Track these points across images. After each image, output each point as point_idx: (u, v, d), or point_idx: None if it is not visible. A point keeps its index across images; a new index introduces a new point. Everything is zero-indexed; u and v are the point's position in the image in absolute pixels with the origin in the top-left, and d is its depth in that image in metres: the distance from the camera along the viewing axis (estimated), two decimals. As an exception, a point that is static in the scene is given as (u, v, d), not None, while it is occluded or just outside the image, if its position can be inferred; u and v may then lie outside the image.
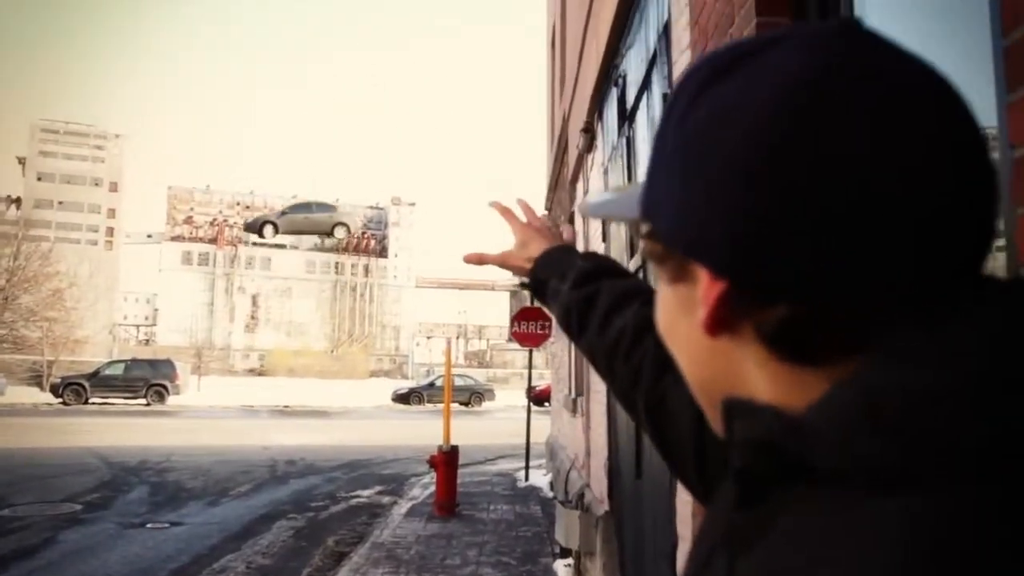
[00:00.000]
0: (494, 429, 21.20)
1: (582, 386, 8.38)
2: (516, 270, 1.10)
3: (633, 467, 4.81)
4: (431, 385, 36.40)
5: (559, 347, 12.46)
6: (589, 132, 7.31)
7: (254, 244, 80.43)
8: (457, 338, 77.08)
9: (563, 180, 10.89)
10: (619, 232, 5.78)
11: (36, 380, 37.09)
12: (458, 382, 34.64)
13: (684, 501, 3.15)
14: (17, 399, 30.66)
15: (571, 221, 9.48)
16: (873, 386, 0.38)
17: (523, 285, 1.13)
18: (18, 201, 78.14)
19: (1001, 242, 1.17)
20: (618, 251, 5.57)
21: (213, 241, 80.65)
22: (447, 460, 9.21)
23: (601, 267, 0.99)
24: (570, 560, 6.76)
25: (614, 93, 5.87)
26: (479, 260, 1.15)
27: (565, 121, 10.24)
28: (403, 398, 36.39)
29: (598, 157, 6.97)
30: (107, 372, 31.24)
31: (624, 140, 5.41)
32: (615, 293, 0.92)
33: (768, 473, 0.41)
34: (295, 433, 20.38)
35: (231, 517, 9.23)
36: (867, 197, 0.39)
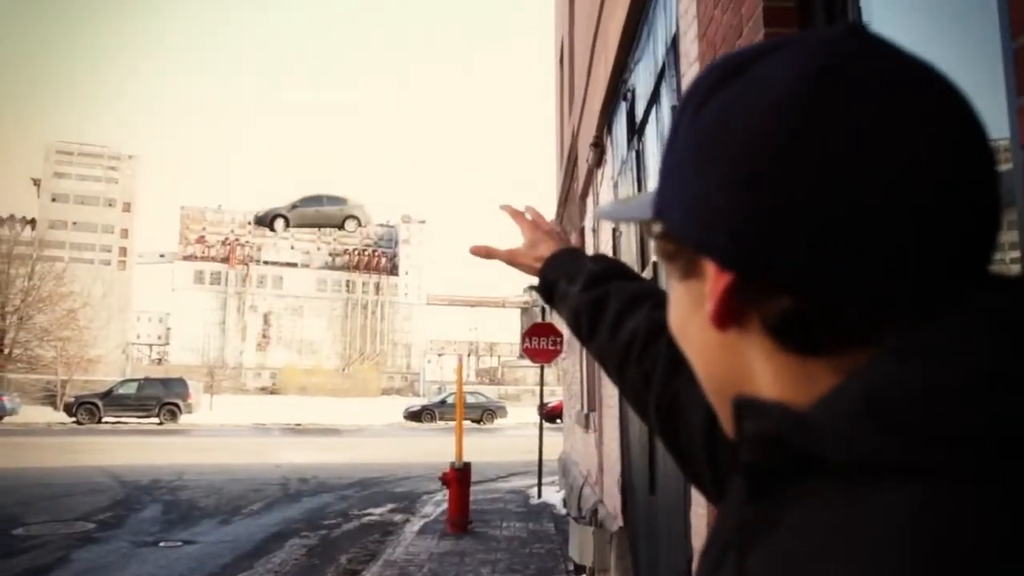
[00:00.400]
0: (506, 446, 21.14)
1: (594, 401, 8.35)
2: (524, 269, 1.10)
3: (647, 482, 4.79)
4: (443, 403, 36.37)
5: (571, 363, 12.44)
6: (599, 146, 7.34)
7: (266, 263, 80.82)
8: (468, 355, 77.10)
9: (573, 195, 10.92)
10: (629, 246, 5.78)
11: (50, 399, 37.30)
12: (470, 399, 34.57)
13: (699, 515, 3.12)
14: (31, 418, 30.83)
15: (581, 236, 9.49)
16: (875, 382, 0.39)
17: (532, 287, 1.13)
18: (33, 222, 78.72)
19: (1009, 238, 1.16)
20: (629, 262, 5.57)
21: (225, 260, 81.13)
22: (459, 477, 9.18)
23: (611, 269, 0.99)
24: (584, 577, 6.71)
25: (623, 107, 5.90)
26: (487, 253, 1.15)
27: (575, 136, 10.28)
28: (415, 416, 36.35)
29: (608, 171, 6.99)
30: (120, 391, 31.37)
31: (634, 154, 5.43)
32: (625, 296, 0.92)
33: (776, 468, 0.42)
34: (307, 451, 20.38)
35: (243, 535, 9.21)
36: (869, 195, 0.40)
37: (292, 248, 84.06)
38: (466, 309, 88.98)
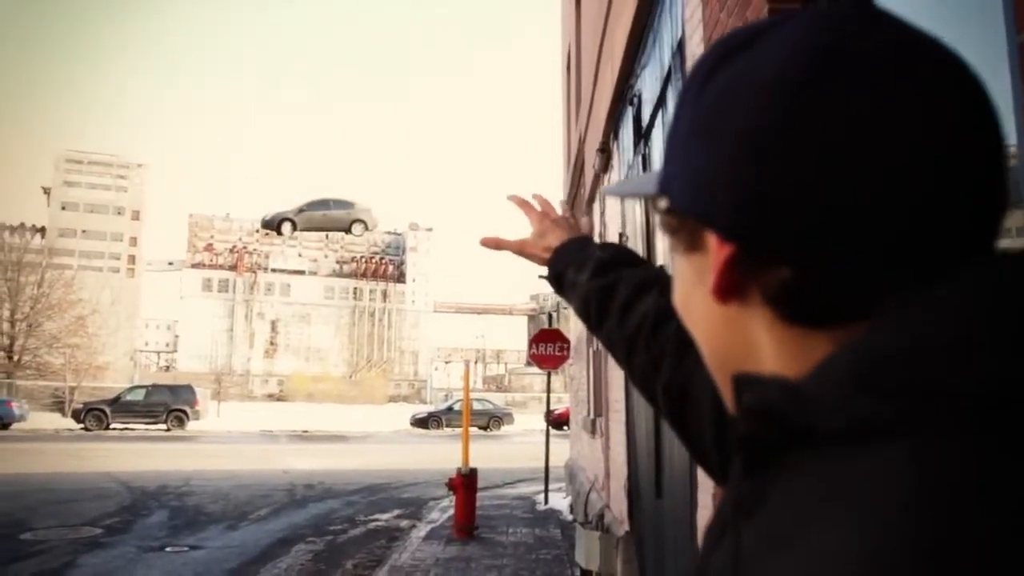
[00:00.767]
0: (513, 453, 21.09)
1: (601, 406, 8.34)
2: (534, 259, 1.11)
3: (653, 487, 4.77)
4: (449, 409, 36.34)
5: (578, 368, 12.43)
6: (605, 152, 7.35)
7: (273, 271, 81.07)
8: (475, 362, 77.05)
9: (580, 201, 10.92)
10: (635, 238, 5.77)
11: (58, 406, 37.42)
12: (477, 406, 34.53)
13: (705, 518, 3.11)
14: (39, 425, 30.90)
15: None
16: (866, 348, 0.39)
17: (542, 276, 1.14)
18: (43, 230, 79.27)
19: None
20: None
21: (233, 268, 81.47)
22: (466, 483, 9.16)
23: (619, 257, 0.99)
24: (590, 583, 6.69)
25: (629, 112, 5.90)
26: (496, 245, 1.16)
27: (581, 142, 10.30)
28: (422, 422, 36.32)
29: (614, 176, 6.99)
30: (128, 398, 31.46)
31: (640, 158, 5.43)
32: (634, 282, 0.92)
33: (771, 439, 0.42)
34: (314, 457, 20.38)
35: (250, 541, 9.22)
36: (868, 169, 0.40)
37: (300, 256, 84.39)
38: (473, 316, 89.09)
